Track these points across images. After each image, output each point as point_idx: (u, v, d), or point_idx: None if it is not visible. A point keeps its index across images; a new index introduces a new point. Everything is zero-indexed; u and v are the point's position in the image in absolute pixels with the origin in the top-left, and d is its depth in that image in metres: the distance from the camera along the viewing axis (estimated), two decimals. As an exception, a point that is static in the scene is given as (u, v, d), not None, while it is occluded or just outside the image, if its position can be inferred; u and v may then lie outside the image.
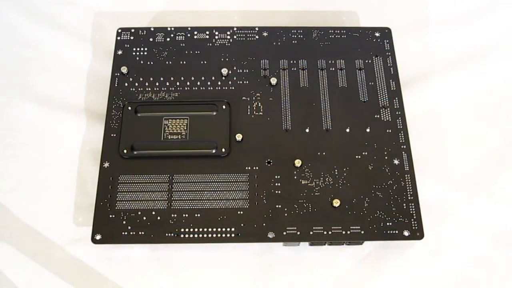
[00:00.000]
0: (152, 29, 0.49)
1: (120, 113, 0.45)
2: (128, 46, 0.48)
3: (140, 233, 0.40)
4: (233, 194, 0.42)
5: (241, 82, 0.46)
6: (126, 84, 0.46)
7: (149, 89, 0.46)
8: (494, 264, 0.42)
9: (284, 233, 0.40)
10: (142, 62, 0.47)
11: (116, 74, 0.46)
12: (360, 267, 0.42)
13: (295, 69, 0.47)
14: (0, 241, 0.42)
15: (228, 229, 0.40)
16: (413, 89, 0.49)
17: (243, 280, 0.41)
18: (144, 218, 0.41)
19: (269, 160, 0.43)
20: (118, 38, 0.48)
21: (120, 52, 0.47)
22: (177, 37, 0.48)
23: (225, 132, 0.44)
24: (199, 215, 0.41)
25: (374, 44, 0.48)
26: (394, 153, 0.43)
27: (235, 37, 0.49)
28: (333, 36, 0.49)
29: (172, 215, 0.41)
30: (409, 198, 0.42)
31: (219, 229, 0.40)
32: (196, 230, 0.40)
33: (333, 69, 0.47)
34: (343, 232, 0.40)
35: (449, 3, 0.54)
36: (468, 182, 0.45)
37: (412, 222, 0.41)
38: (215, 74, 0.47)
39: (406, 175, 0.42)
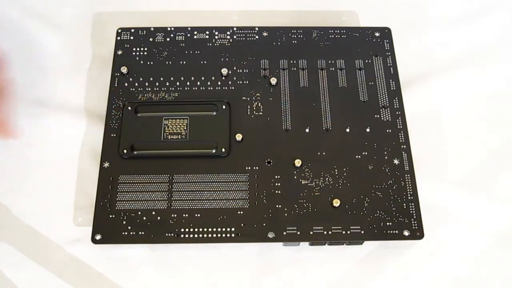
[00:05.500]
0: (152, 29, 0.49)
1: (120, 113, 0.45)
2: (128, 46, 0.48)
3: (140, 233, 0.40)
4: (233, 194, 0.42)
5: (241, 82, 0.46)
6: (126, 84, 0.46)
7: (149, 89, 0.46)
8: (494, 264, 0.42)
9: (284, 233, 0.40)
10: (142, 62, 0.47)
11: (116, 74, 0.46)
12: (360, 267, 0.42)
13: (295, 69, 0.47)
14: (0, 241, 0.42)
15: (228, 229, 0.40)
16: (413, 89, 0.49)
17: (243, 280, 0.41)
18: (144, 218, 0.41)
19: (269, 160, 0.43)
20: (118, 38, 0.48)
21: (120, 52, 0.47)
22: (177, 37, 0.48)
23: (225, 132, 0.44)
24: (199, 215, 0.41)
25: (374, 44, 0.48)
26: (394, 153, 0.43)
27: (235, 37, 0.49)
28: (333, 36, 0.49)
29: (172, 215, 0.41)
30: (409, 198, 0.42)
31: (219, 229, 0.40)
32: (196, 230, 0.40)
33: (333, 69, 0.47)
34: (343, 232, 0.40)
35: (449, 3, 0.54)
36: (468, 182, 0.45)
37: (412, 222, 0.41)
38: (215, 74, 0.47)
39: (406, 175, 0.42)
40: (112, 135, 0.44)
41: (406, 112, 0.45)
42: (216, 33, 0.49)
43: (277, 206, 0.41)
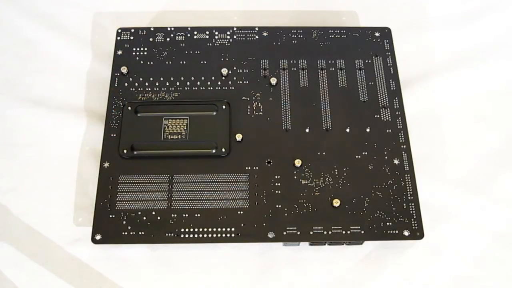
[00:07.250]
0: (152, 29, 0.49)
1: (120, 113, 0.45)
2: (128, 46, 0.48)
3: (140, 233, 0.40)
4: (233, 194, 0.42)
5: (241, 82, 0.46)
6: (126, 84, 0.46)
7: (149, 89, 0.46)
8: (494, 264, 0.42)
9: (284, 233, 0.40)
10: (142, 62, 0.47)
11: (116, 74, 0.46)
12: (360, 267, 0.42)
13: (295, 69, 0.47)
14: (0, 241, 0.42)
15: (228, 229, 0.40)
16: (413, 89, 0.49)
17: (243, 280, 0.41)
18: (144, 218, 0.41)
19: (269, 160, 0.43)
20: (118, 38, 0.48)
21: (120, 52, 0.48)
22: (177, 37, 0.48)
23: (225, 132, 0.44)
24: (199, 215, 0.41)
25: (374, 44, 0.48)
26: (394, 153, 0.43)
27: (235, 37, 0.49)
28: (333, 36, 0.49)
29: (172, 215, 0.41)
30: (409, 198, 0.42)
31: (219, 229, 0.40)
32: (196, 230, 0.40)
33: (333, 69, 0.47)
34: (343, 232, 0.40)
35: (449, 3, 0.54)
36: (468, 182, 0.45)
37: (412, 222, 0.41)
38: (215, 74, 0.47)
39: (406, 175, 0.42)
40: (112, 135, 0.44)
41: (406, 112, 0.45)
42: (216, 33, 0.49)
43: (277, 206, 0.41)
